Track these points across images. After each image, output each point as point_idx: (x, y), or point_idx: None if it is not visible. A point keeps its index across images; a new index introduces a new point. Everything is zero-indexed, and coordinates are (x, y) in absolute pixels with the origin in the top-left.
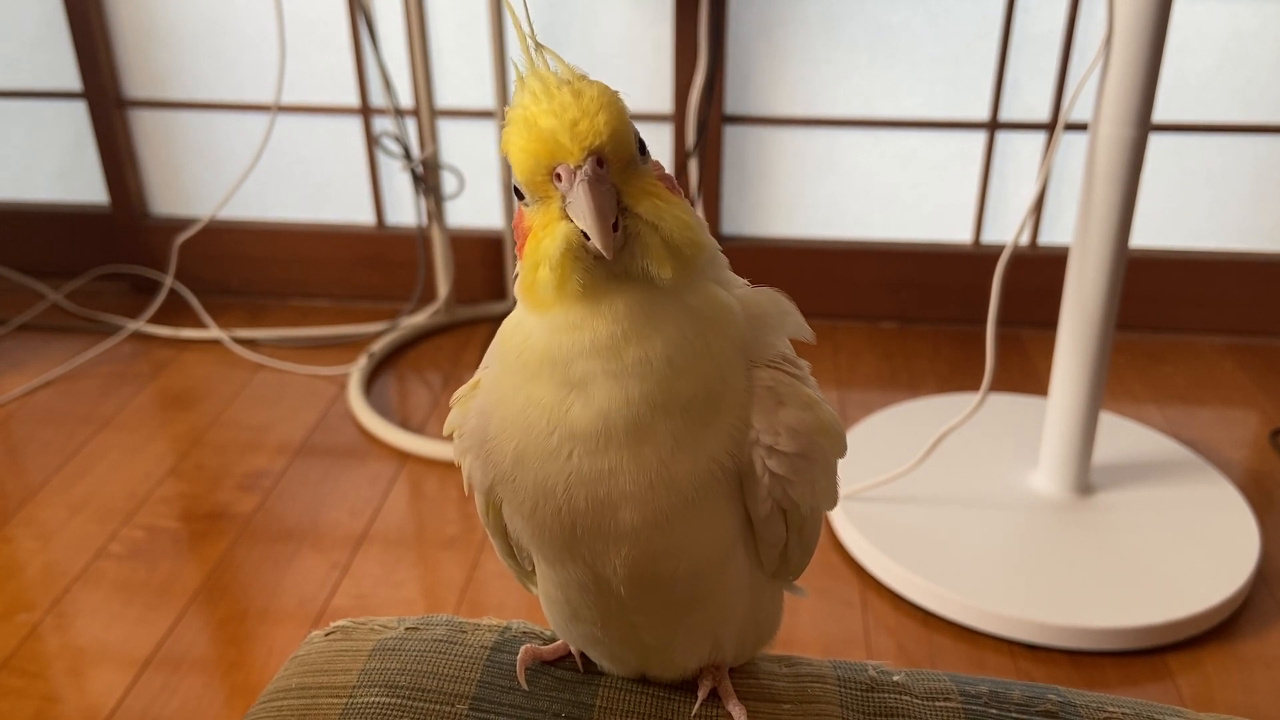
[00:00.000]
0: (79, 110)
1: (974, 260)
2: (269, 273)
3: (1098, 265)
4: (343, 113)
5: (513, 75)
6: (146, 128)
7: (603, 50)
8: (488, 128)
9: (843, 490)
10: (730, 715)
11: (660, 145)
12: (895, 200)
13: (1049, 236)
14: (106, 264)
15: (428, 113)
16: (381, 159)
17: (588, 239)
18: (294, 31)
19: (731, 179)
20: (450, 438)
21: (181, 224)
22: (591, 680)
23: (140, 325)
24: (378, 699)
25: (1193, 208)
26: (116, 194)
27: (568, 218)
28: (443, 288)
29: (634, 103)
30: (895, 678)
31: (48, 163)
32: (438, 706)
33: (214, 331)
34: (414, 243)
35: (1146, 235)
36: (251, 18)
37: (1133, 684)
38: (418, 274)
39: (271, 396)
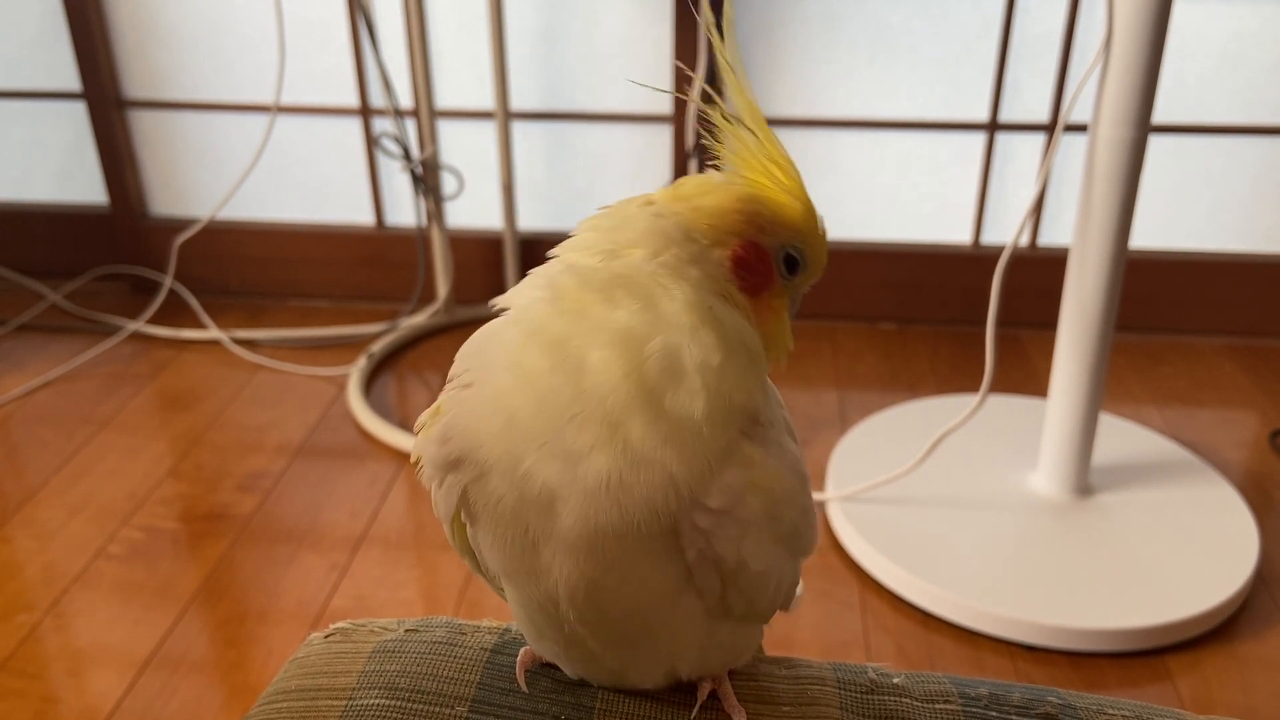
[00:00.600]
0: (78, 111)
1: (974, 261)
2: (268, 273)
3: (1097, 266)
4: (342, 113)
5: (736, 135)
6: (146, 128)
7: (603, 50)
8: (487, 128)
9: (843, 490)
10: (730, 718)
11: (660, 146)
12: (895, 201)
13: (1049, 237)
14: (106, 264)
15: (427, 113)
16: (381, 159)
17: None
18: (294, 32)
19: None
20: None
21: (181, 224)
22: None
23: (140, 326)
24: (377, 701)
25: (1192, 209)
26: (116, 194)
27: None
28: (442, 288)
29: (633, 103)
30: (895, 680)
31: (47, 163)
32: (437, 709)
33: (213, 332)
34: (413, 243)
35: (1146, 236)
36: (251, 18)
37: (1132, 685)
38: (417, 274)
39: (271, 397)
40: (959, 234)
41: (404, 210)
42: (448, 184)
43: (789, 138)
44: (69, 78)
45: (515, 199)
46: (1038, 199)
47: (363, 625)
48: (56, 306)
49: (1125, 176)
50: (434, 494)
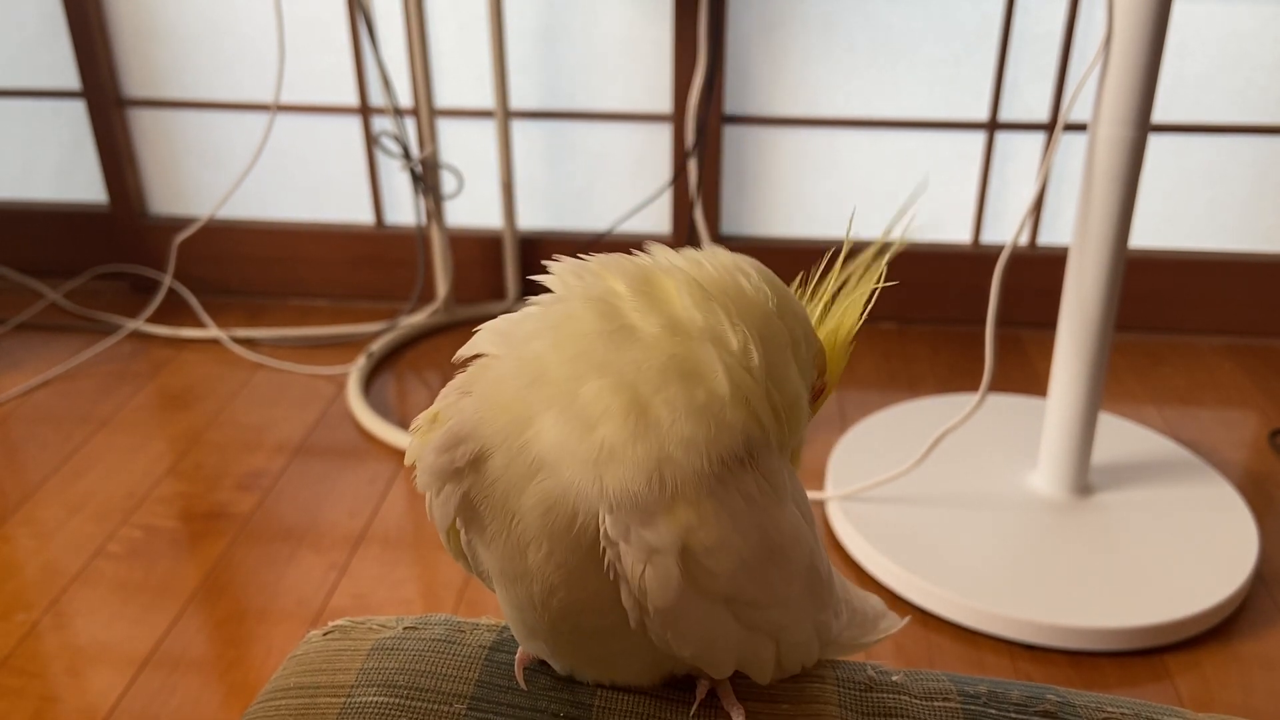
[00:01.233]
0: (78, 109)
1: (973, 260)
2: (268, 272)
3: (1097, 265)
4: (342, 112)
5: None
6: (145, 127)
7: (602, 50)
8: (487, 127)
9: (842, 490)
10: (728, 715)
11: (660, 145)
12: (895, 200)
13: (1048, 237)
14: (105, 263)
15: (427, 112)
16: (381, 158)
17: None
18: (293, 31)
19: (731, 179)
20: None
21: (180, 223)
22: None
23: (139, 325)
24: (376, 698)
25: (1192, 208)
26: (115, 193)
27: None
28: (442, 287)
29: (633, 103)
30: (894, 678)
31: (46, 162)
32: (436, 706)
33: (213, 331)
34: (413, 242)
35: (1146, 235)
36: (251, 17)
37: (1131, 684)
38: (417, 273)
39: (270, 396)
40: (959, 233)
41: (404, 209)
42: (447, 183)
43: (789, 137)
44: (68, 76)
45: (515, 198)
46: (1037, 198)
47: (361, 623)
48: (56, 305)
49: (1125, 176)
50: (430, 502)
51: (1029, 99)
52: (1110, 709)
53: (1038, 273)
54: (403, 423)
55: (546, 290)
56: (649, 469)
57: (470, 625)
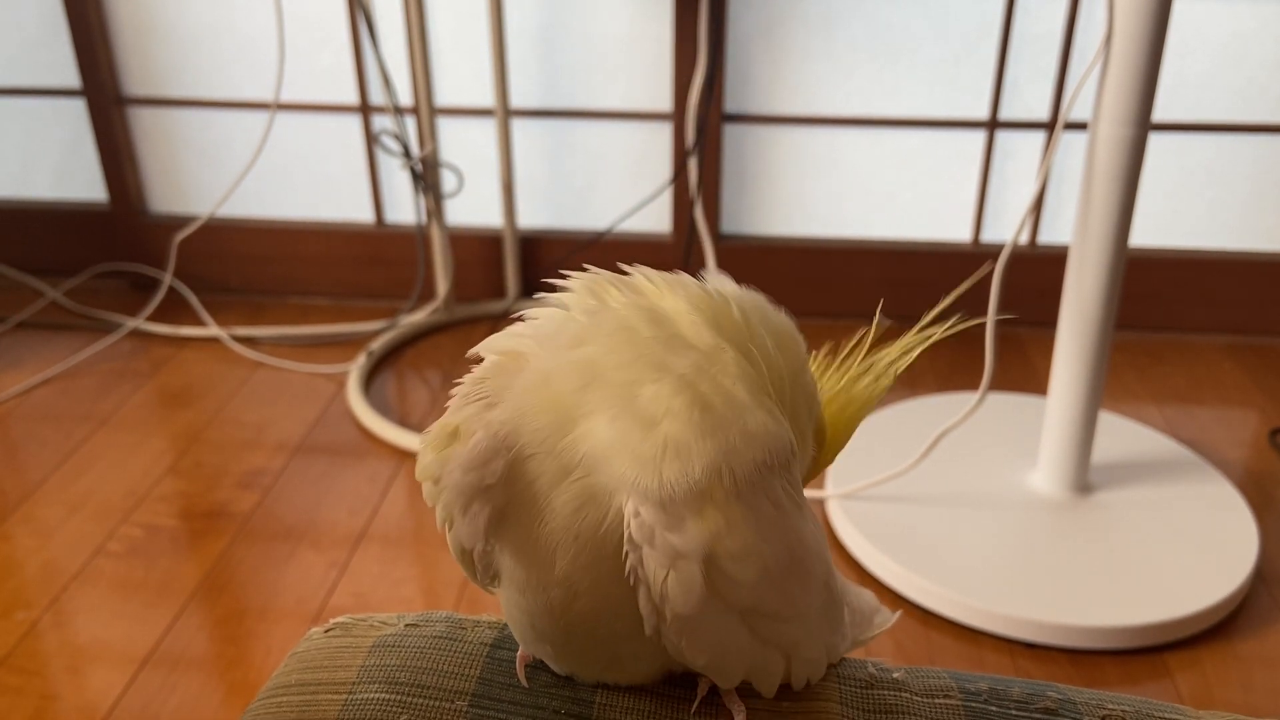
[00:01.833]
0: (78, 108)
1: (973, 259)
2: (268, 270)
3: (1097, 264)
4: (342, 111)
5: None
6: (146, 125)
7: (603, 48)
8: (487, 126)
9: (842, 489)
10: (729, 713)
11: (660, 144)
12: (895, 199)
13: (1048, 236)
14: (105, 262)
15: (427, 111)
16: (381, 157)
17: None
18: (293, 29)
19: (731, 178)
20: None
21: (180, 222)
22: None
23: (139, 323)
24: (377, 695)
25: (1192, 207)
26: (115, 191)
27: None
28: (442, 286)
29: (633, 101)
30: (894, 675)
31: (47, 160)
32: (437, 703)
33: (213, 329)
34: (413, 241)
35: (1146, 235)
36: (251, 16)
37: (1132, 682)
38: (417, 272)
39: (270, 395)
40: (959, 232)
41: (404, 208)
42: (447, 181)
43: (789, 136)
44: (69, 75)
45: (515, 197)
46: (1037, 197)
47: (362, 620)
48: (56, 304)
49: (1125, 175)
50: (449, 518)
51: (1029, 98)
52: (1111, 706)
53: (1038, 272)
54: (403, 421)
55: (557, 295)
56: (715, 463)
57: (471, 622)
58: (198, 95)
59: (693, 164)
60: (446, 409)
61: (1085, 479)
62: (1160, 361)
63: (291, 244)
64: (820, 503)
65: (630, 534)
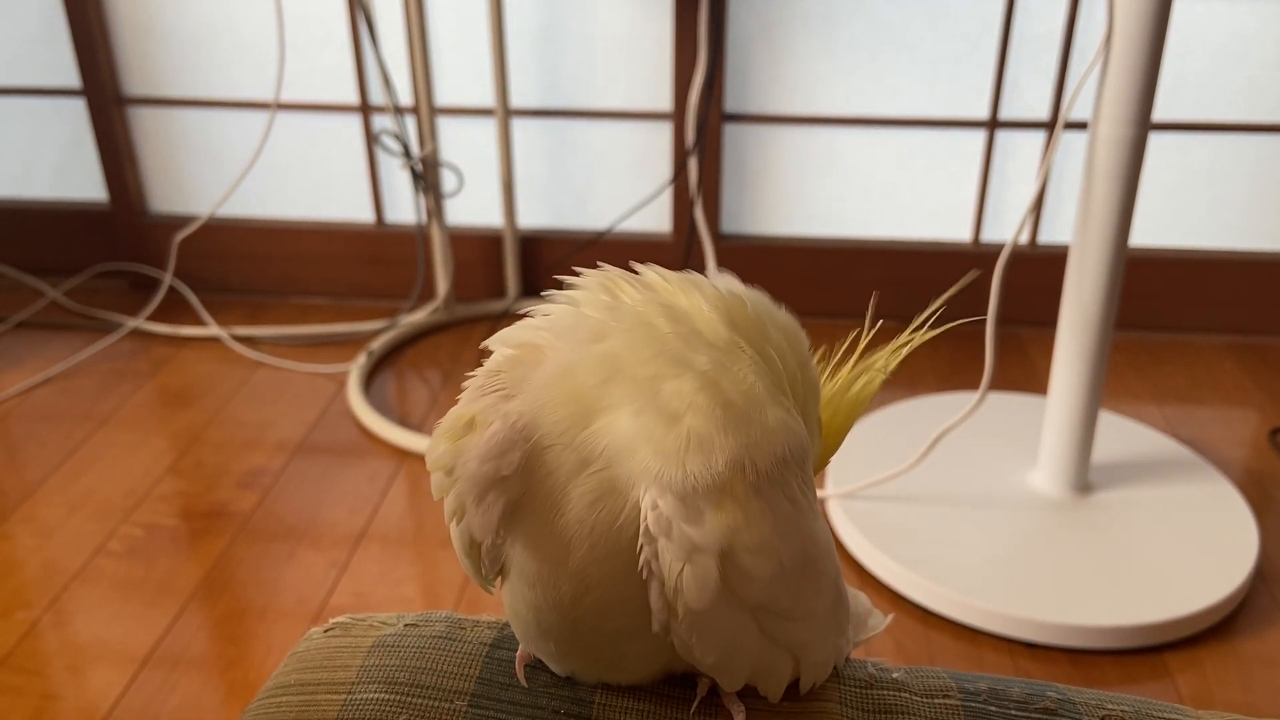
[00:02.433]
0: (78, 107)
1: (973, 259)
2: (268, 270)
3: (1097, 264)
4: (342, 110)
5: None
6: (146, 125)
7: (603, 48)
8: (487, 126)
9: (843, 488)
10: (729, 713)
11: (660, 144)
12: (895, 199)
13: (1049, 235)
14: (105, 261)
15: (427, 110)
16: (381, 157)
17: None
18: (293, 29)
19: (731, 178)
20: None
21: (181, 221)
22: None
23: (139, 323)
24: (377, 695)
25: (1192, 207)
26: (116, 191)
27: None
28: (442, 285)
29: (633, 101)
30: (894, 675)
31: (47, 160)
32: (437, 703)
33: (213, 329)
34: (413, 240)
35: (1146, 234)
36: (251, 15)
37: (1131, 682)
38: (417, 272)
39: (270, 394)
40: (959, 232)
41: (404, 207)
42: (448, 181)
43: (789, 135)
44: (69, 74)
45: (515, 196)
46: (1038, 197)
47: (362, 620)
48: (56, 303)
49: (1125, 174)
50: (461, 509)
51: (1029, 97)
52: (1111, 706)
53: (1038, 271)
54: (403, 421)
55: (568, 291)
56: (738, 456)
57: (471, 622)
58: (198, 95)
59: (693, 164)
60: (459, 401)
61: (1085, 479)
62: (1160, 361)
63: (292, 244)
64: (820, 502)
65: (647, 526)
